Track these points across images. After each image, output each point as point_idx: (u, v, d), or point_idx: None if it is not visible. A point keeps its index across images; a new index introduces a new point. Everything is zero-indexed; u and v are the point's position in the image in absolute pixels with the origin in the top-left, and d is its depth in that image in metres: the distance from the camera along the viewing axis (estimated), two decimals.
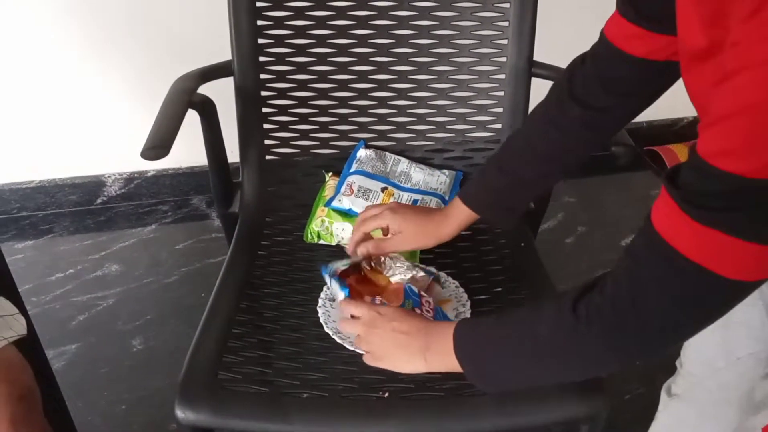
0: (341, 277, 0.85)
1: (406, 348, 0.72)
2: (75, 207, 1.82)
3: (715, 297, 0.53)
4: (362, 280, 0.88)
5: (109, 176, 1.80)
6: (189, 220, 1.81)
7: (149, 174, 1.82)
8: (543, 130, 0.82)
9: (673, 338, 0.58)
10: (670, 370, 0.86)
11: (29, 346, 0.80)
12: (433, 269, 0.91)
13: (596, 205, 1.91)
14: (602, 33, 0.76)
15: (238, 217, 1.07)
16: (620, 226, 1.79)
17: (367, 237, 0.90)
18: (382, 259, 0.89)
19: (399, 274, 0.88)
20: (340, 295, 0.83)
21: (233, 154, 1.09)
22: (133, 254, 1.68)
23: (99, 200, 1.83)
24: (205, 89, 1.01)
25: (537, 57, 1.09)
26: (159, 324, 1.47)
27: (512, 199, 0.86)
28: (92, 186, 1.80)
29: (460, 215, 0.86)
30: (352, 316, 0.79)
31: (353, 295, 0.83)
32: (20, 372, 0.75)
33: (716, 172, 0.46)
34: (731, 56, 0.45)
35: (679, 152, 1.98)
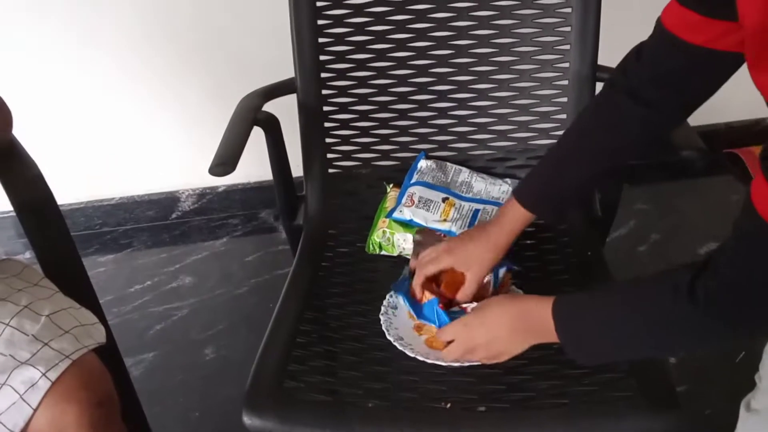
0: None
1: (509, 340, 0.74)
2: (152, 222, 1.91)
3: None
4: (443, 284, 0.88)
5: (182, 192, 1.88)
6: (258, 233, 1.86)
7: (220, 189, 1.89)
8: (595, 126, 0.81)
9: None
10: (753, 384, 0.81)
11: (108, 354, 0.84)
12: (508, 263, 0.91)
13: (671, 212, 1.83)
14: (659, 22, 0.73)
15: (303, 230, 1.10)
16: (698, 233, 1.70)
17: (429, 281, 0.87)
18: None
19: None
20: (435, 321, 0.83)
21: (298, 168, 1.12)
22: (205, 266, 1.75)
23: (174, 215, 1.91)
24: (269, 106, 1.04)
25: (601, 61, 1.06)
26: (230, 334, 1.52)
27: (560, 195, 0.85)
28: (167, 202, 1.89)
29: (512, 220, 0.85)
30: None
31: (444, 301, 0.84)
32: (100, 379, 0.79)
33: None
34: None
35: None
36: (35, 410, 0.71)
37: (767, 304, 0.56)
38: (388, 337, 0.83)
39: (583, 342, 0.68)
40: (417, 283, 0.86)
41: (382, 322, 0.86)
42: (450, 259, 0.85)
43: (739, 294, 0.56)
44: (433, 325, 0.82)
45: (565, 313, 0.69)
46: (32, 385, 0.72)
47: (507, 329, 0.74)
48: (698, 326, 0.60)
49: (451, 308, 0.83)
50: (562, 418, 0.75)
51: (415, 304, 0.85)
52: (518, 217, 0.85)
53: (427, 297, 0.83)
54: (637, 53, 0.77)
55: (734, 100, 1.93)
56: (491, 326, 0.75)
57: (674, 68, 0.73)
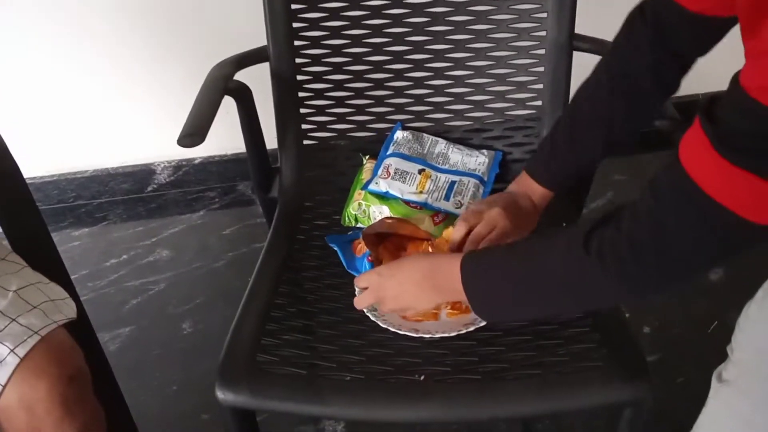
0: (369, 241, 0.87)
1: (417, 294, 0.75)
2: (127, 195, 1.88)
3: (739, 241, 0.51)
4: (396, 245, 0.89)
5: (158, 164, 1.85)
6: (235, 206, 1.85)
7: (196, 161, 1.86)
8: (610, 88, 0.80)
9: (687, 277, 0.56)
10: (723, 353, 0.83)
11: (80, 329, 0.83)
12: None
13: None
14: None
15: (278, 202, 1.08)
16: None
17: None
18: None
19: None
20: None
21: (273, 140, 1.10)
22: (182, 240, 1.73)
23: (150, 188, 1.88)
24: (242, 76, 1.02)
25: (578, 29, 1.05)
26: (208, 307, 1.51)
27: (583, 169, 0.86)
28: (143, 174, 1.86)
29: (541, 201, 0.86)
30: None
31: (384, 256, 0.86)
32: (70, 354, 0.78)
33: (758, 108, 0.43)
34: None
35: None
36: (4, 387, 0.70)
37: (661, 268, 0.55)
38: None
39: (486, 297, 0.68)
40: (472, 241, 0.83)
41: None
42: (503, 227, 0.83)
43: (637, 250, 0.55)
44: None
45: (471, 269, 0.68)
46: (0, 362, 0.70)
47: (416, 285, 0.74)
48: (589, 278, 0.59)
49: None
50: (533, 389, 0.75)
51: (350, 258, 0.87)
52: (545, 200, 0.85)
53: (362, 251, 0.85)
54: (641, 13, 0.76)
55: (713, 71, 1.93)
56: (401, 280, 0.75)
57: (674, 31, 0.73)
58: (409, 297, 0.76)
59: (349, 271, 0.88)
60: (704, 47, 0.75)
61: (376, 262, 0.85)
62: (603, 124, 0.81)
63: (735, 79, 0.45)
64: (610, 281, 0.58)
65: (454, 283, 0.69)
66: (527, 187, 0.86)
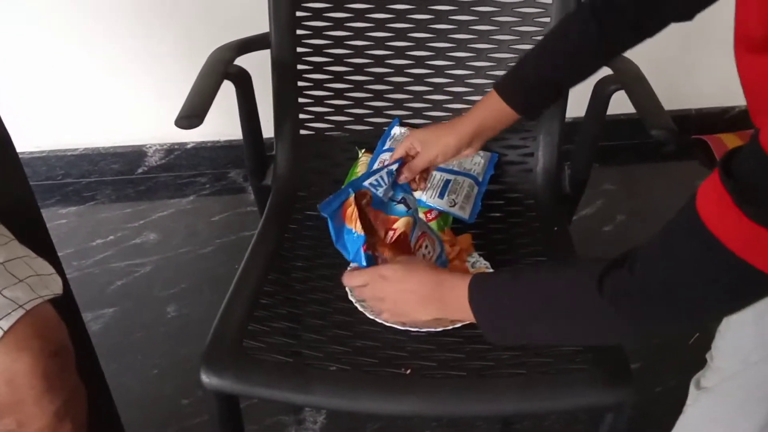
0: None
1: (419, 304, 0.74)
2: (117, 176, 1.86)
3: (755, 291, 0.51)
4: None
5: (150, 146, 1.84)
6: (226, 193, 1.84)
7: (189, 146, 1.85)
8: (566, 32, 0.84)
9: (699, 322, 0.58)
10: (703, 363, 0.84)
11: (65, 305, 0.82)
12: None
13: (638, 193, 1.86)
14: None
15: (271, 190, 1.08)
16: (662, 216, 1.69)
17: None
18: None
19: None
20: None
21: (269, 129, 1.10)
22: (170, 224, 1.72)
23: (140, 170, 1.87)
24: (243, 63, 1.01)
25: None
26: (193, 293, 1.50)
27: (531, 86, 0.86)
28: (134, 156, 1.84)
29: (481, 109, 0.87)
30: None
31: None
32: (55, 329, 0.77)
33: None
34: None
35: (729, 142, 1.90)
36: None
37: (675, 314, 0.56)
38: (350, 298, 0.83)
39: (494, 323, 0.68)
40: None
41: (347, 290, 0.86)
42: (413, 136, 0.88)
43: (652, 295, 0.55)
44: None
45: (480, 290, 0.68)
46: None
47: (422, 296, 0.74)
48: (601, 319, 0.60)
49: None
50: (517, 388, 0.76)
51: (339, 228, 0.81)
52: (488, 105, 0.87)
53: (352, 215, 0.80)
54: None
55: (705, 88, 1.96)
56: (407, 288, 0.74)
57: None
58: (409, 306, 0.75)
59: (336, 246, 0.83)
60: (690, 14, 0.76)
61: (365, 228, 0.81)
62: (557, 57, 0.84)
63: (755, 138, 0.45)
64: (622, 322, 0.59)
65: (461, 302, 0.68)
66: (483, 98, 0.88)
